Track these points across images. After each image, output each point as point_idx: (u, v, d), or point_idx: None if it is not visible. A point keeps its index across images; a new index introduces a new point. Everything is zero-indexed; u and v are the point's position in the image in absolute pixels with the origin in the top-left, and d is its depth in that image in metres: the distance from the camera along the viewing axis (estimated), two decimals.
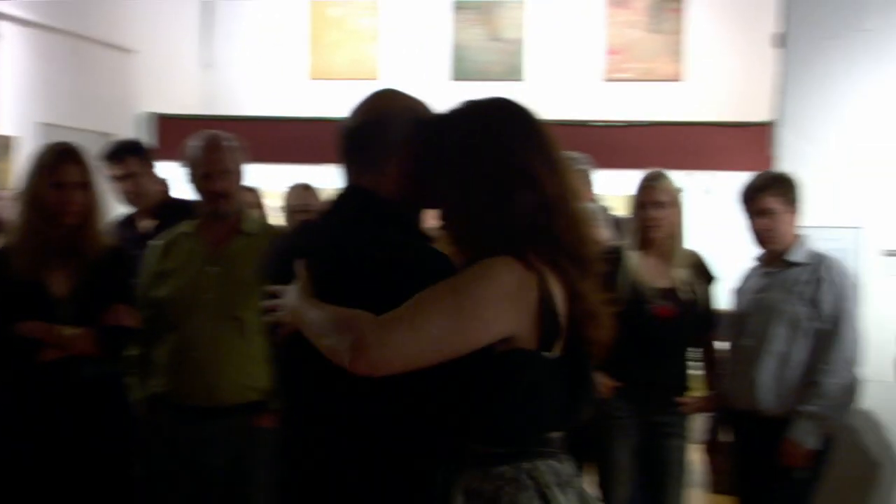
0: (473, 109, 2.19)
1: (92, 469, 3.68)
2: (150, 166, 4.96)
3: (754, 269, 4.34)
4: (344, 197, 2.27)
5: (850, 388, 4.07)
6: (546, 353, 2.10)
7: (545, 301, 2.08)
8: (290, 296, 2.13)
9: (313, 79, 9.56)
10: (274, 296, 2.18)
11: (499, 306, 2.02)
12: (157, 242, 3.95)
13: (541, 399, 2.11)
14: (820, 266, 4.12)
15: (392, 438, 2.13)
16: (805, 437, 4.00)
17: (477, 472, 2.12)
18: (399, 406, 2.11)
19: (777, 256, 4.17)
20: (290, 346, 2.17)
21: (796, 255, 4.13)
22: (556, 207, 2.11)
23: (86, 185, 3.72)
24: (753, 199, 4.14)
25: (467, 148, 2.12)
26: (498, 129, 2.14)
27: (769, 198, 4.12)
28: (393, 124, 2.22)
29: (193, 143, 3.86)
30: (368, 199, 2.21)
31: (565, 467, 2.18)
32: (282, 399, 2.35)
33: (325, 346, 2.03)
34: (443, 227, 2.19)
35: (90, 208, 3.73)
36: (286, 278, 2.16)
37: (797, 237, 4.18)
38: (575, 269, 2.12)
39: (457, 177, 2.12)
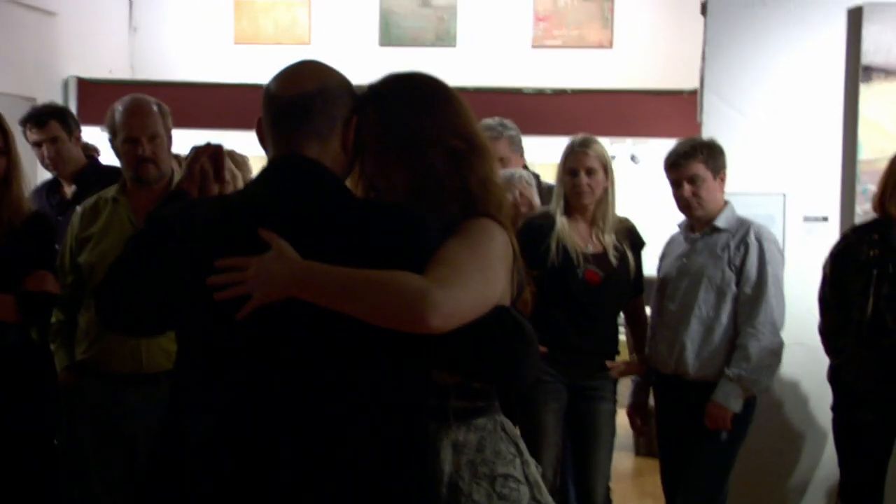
0: (400, 88, 2.31)
1: (14, 437, 3.67)
2: (74, 131, 4.92)
3: (679, 235, 4.39)
4: (288, 165, 2.23)
5: (775, 352, 4.15)
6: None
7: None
8: (264, 267, 2.05)
9: (238, 43, 9.48)
10: (226, 269, 2.09)
11: (501, 265, 2.18)
12: (80, 208, 3.92)
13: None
14: (746, 231, 4.17)
15: (383, 399, 2.13)
16: (729, 399, 4.06)
17: (461, 426, 2.32)
18: (388, 366, 2.13)
19: (703, 223, 4.22)
20: (258, 319, 2.09)
21: (722, 221, 4.18)
22: (482, 177, 2.29)
23: (5, 151, 3.68)
24: (679, 166, 4.17)
25: (401, 127, 2.25)
26: (429, 104, 2.28)
27: (695, 164, 4.14)
28: (335, 98, 2.24)
29: (117, 107, 3.84)
30: (317, 168, 2.21)
31: None
32: (224, 376, 2.19)
33: (363, 305, 2.01)
34: (373, 192, 2.32)
35: (9, 173, 3.68)
36: (238, 249, 2.10)
37: (724, 203, 4.23)
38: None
39: (398, 154, 2.25)
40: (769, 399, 4.58)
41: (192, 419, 2.20)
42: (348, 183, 2.33)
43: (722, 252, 4.15)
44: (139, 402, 3.73)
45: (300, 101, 2.22)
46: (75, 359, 3.87)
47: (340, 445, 2.10)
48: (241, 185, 4.36)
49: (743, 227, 4.18)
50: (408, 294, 1.98)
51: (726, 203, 4.23)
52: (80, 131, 4.99)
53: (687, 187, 4.15)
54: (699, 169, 4.14)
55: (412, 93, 2.30)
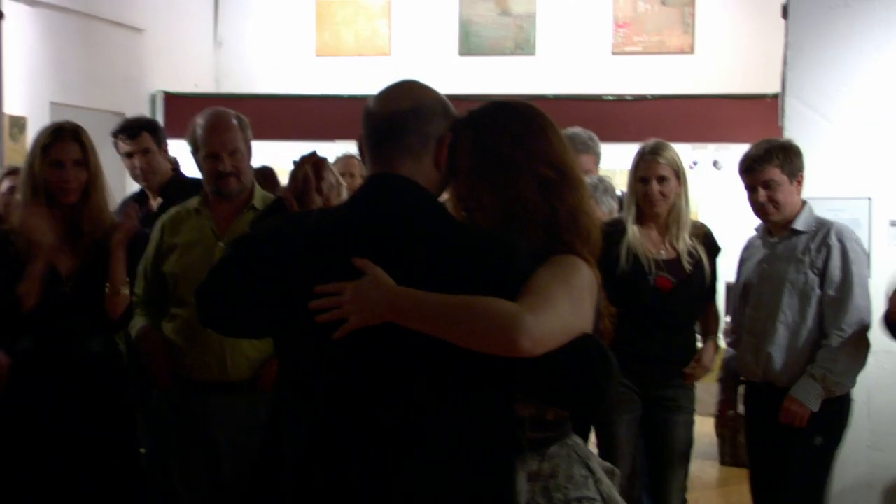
0: (498, 115, 2.34)
1: (100, 444, 3.73)
2: (163, 144, 4.98)
3: (757, 240, 4.31)
4: (382, 185, 2.28)
5: (861, 354, 4.05)
6: None
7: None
8: (361, 293, 2.11)
9: (319, 55, 9.59)
10: (321, 294, 2.15)
11: (587, 297, 2.23)
12: (164, 217, 3.96)
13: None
14: (826, 232, 4.07)
15: (470, 423, 2.17)
16: (809, 398, 3.97)
17: (535, 456, 2.35)
18: (476, 392, 2.17)
19: (781, 226, 4.13)
20: (350, 343, 2.14)
21: (800, 224, 4.10)
22: (573, 208, 2.32)
23: (85, 163, 3.74)
24: (753, 171, 4.09)
25: (496, 153, 2.29)
26: (523, 133, 2.31)
27: (770, 168, 4.05)
28: (429, 116, 2.28)
29: (198, 121, 3.85)
30: (411, 188, 2.25)
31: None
32: (320, 395, 2.26)
33: (458, 330, 2.07)
34: (466, 215, 2.36)
35: (89, 186, 3.74)
36: (336, 269, 2.15)
37: (802, 204, 4.13)
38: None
39: (492, 180, 2.29)
40: (857, 408, 4.49)
41: (290, 434, 2.30)
42: (444, 200, 2.37)
43: (803, 255, 4.06)
44: (223, 408, 3.75)
45: (394, 118, 2.26)
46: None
47: (427, 468, 2.14)
48: (345, 194, 4.42)
49: (823, 229, 4.09)
50: (500, 318, 2.04)
51: (804, 204, 4.14)
52: (167, 144, 5.04)
53: (762, 192, 4.07)
54: (774, 173, 4.06)
55: (508, 121, 2.32)
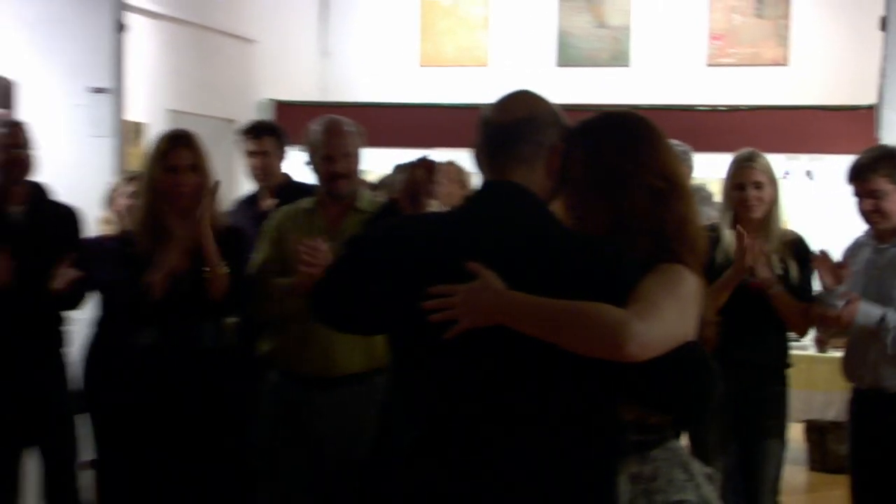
0: (609, 126, 2.35)
1: (210, 435, 3.83)
2: (282, 149, 5.09)
3: (864, 242, 4.20)
4: (496, 192, 2.30)
5: None
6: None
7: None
8: (473, 296, 2.13)
9: (423, 66, 9.60)
10: (436, 295, 2.16)
11: (693, 306, 2.22)
12: (276, 215, 4.01)
13: None
14: None
15: (583, 428, 2.18)
16: None
17: (636, 458, 2.32)
18: (581, 395, 2.17)
19: (889, 233, 4.04)
20: (461, 343, 2.15)
21: None
22: (681, 218, 2.31)
23: (198, 168, 3.83)
24: (860, 180, 4.01)
25: (607, 163, 2.28)
26: (634, 145, 2.30)
27: (876, 178, 3.97)
28: (542, 126, 2.29)
29: (315, 127, 3.91)
30: (524, 194, 2.26)
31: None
32: (431, 391, 2.26)
33: (568, 334, 2.08)
34: (576, 222, 2.35)
35: (203, 190, 3.83)
36: (448, 274, 2.17)
37: None
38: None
39: (603, 188, 2.28)
40: None
41: (400, 426, 2.30)
42: (556, 209, 2.36)
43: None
44: (327, 403, 3.76)
45: (509, 127, 2.28)
46: (268, 360, 3.93)
47: (532, 463, 2.15)
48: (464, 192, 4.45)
49: None
50: (608, 323, 2.05)
51: None
52: (286, 151, 5.17)
53: (868, 201, 3.98)
54: (880, 183, 3.96)
55: (619, 132, 2.32)
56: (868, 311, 3.92)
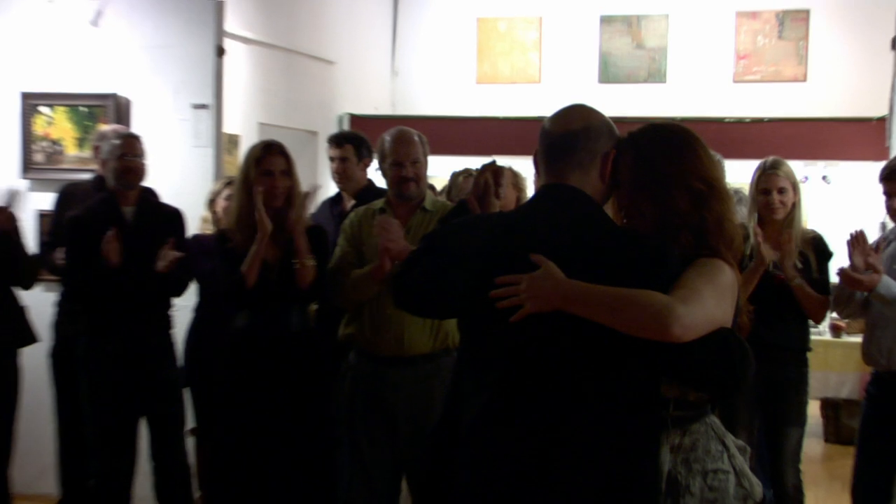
0: (656, 135, 2.35)
1: (298, 407, 3.84)
2: (363, 158, 5.07)
3: (891, 242, 4.13)
4: (554, 193, 2.31)
5: None
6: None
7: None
8: (535, 284, 2.15)
9: (479, 83, 9.57)
10: (504, 283, 2.19)
11: (729, 294, 2.24)
12: (352, 215, 4.01)
13: None
14: None
15: (631, 402, 2.21)
16: None
17: (677, 431, 2.33)
18: (631, 372, 2.19)
19: None
20: (525, 326, 2.17)
21: None
22: (719, 217, 2.30)
23: (288, 173, 3.86)
24: (888, 180, 3.96)
25: (653, 168, 2.30)
26: (678, 151, 2.31)
27: None
28: (597, 135, 2.30)
29: (386, 136, 3.92)
30: (579, 196, 2.28)
31: None
32: (496, 368, 2.28)
33: (619, 316, 2.10)
34: (626, 221, 2.36)
35: (291, 192, 3.87)
36: (514, 265, 2.19)
37: None
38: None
39: (649, 190, 2.29)
40: None
41: (467, 399, 2.34)
42: (608, 209, 2.38)
43: None
44: (400, 379, 3.77)
45: (567, 137, 2.29)
46: (349, 342, 3.92)
47: (583, 434, 2.17)
48: (525, 196, 4.44)
49: None
50: (656, 308, 2.07)
51: None
52: (370, 160, 5.07)
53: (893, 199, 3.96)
54: None
55: (665, 141, 2.33)
56: (890, 284, 3.83)
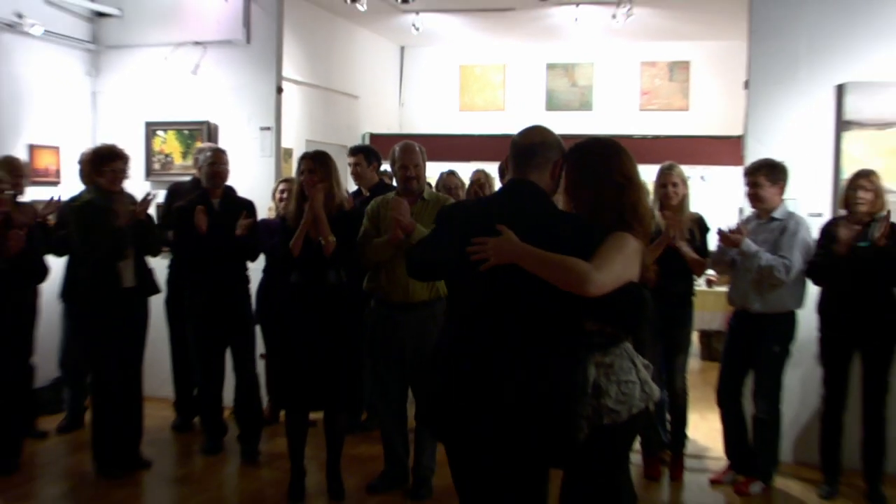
0: (592, 145, 2.29)
1: (333, 338, 3.73)
2: (372, 162, 4.98)
3: (749, 221, 4.12)
4: (518, 186, 2.25)
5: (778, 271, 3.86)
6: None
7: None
8: (498, 244, 2.09)
9: (461, 110, 9.51)
10: (477, 243, 2.13)
11: (635, 258, 2.17)
12: (372, 204, 3.94)
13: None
14: (787, 218, 3.96)
15: (558, 330, 2.16)
16: (748, 246, 3.82)
17: (600, 353, 2.27)
18: (561, 309, 2.12)
19: (765, 212, 3.98)
20: (492, 272, 2.11)
21: (777, 213, 3.95)
22: (634, 202, 2.23)
23: (327, 177, 3.73)
24: (750, 176, 3.95)
25: (590, 168, 2.24)
26: (606, 155, 2.26)
27: (759, 176, 3.94)
28: (550, 147, 2.25)
29: (395, 147, 3.93)
30: (535, 188, 2.23)
31: None
32: (468, 305, 2.21)
33: (552, 274, 2.04)
34: (572, 205, 2.29)
35: (332, 188, 3.74)
36: (485, 232, 2.13)
37: (780, 202, 3.98)
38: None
39: (587, 183, 2.24)
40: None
41: (445, 330, 2.32)
42: (557, 200, 2.32)
43: (777, 232, 3.93)
44: (406, 320, 3.74)
45: (530, 147, 2.25)
46: (370, 293, 3.84)
47: (528, 352, 2.12)
48: (492, 188, 4.35)
49: (789, 217, 3.96)
50: (577, 271, 2.03)
51: (782, 202, 4.01)
52: (378, 164, 5.01)
53: (751, 190, 3.93)
54: (760, 179, 3.92)
55: (598, 149, 2.27)
56: (750, 244, 3.87)
